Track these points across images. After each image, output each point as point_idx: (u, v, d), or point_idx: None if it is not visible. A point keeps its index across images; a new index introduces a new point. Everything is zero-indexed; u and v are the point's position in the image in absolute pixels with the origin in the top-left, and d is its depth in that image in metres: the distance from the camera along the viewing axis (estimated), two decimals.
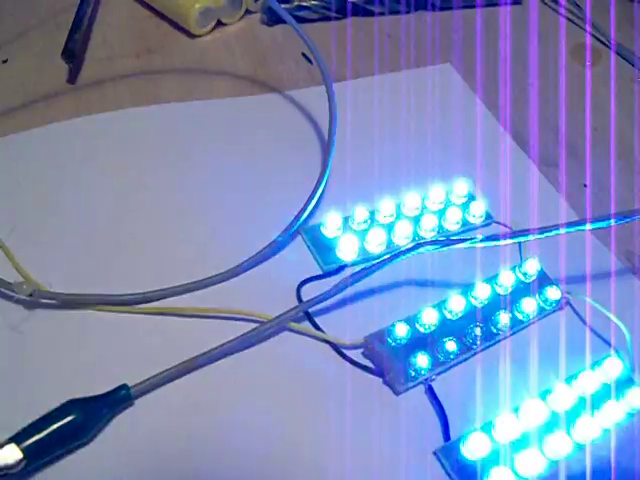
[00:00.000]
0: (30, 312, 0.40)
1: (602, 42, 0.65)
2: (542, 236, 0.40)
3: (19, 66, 0.56)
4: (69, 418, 0.35)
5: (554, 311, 0.44)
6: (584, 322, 0.43)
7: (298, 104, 0.54)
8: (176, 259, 0.43)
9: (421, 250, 0.40)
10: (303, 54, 0.58)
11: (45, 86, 0.54)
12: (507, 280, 0.43)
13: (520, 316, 0.42)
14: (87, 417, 0.35)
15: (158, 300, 0.41)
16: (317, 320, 0.41)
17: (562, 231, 0.41)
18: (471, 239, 0.40)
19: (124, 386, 0.37)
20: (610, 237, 0.48)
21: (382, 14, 0.63)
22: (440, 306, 0.42)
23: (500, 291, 0.43)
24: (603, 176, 0.52)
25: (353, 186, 0.48)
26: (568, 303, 0.44)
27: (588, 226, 0.41)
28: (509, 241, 0.41)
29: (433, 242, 0.41)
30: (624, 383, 0.41)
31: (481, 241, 0.40)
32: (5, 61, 0.56)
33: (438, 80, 0.58)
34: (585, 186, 0.51)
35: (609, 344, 0.43)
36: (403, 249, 0.40)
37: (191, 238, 0.45)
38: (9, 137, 0.49)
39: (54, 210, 0.45)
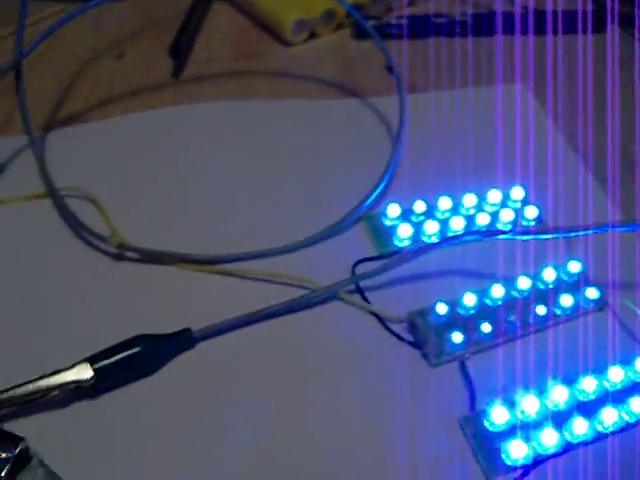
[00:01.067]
0: (117, 263, 0.46)
1: None
2: (583, 233, 0.43)
3: (130, 60, 0.63)
4: (136, 349, 0.40)
5: (593, 311, 0.46)
6: (622, 324, 0.45)
7: (376, 109, 0.59)
8: (247, 229, 0.49)
9: (468, 238, 0.44)
10: (386, 66, 0.63)
11: (151, 79, 0.61)
12: (549, 276, 0.46)
13: (558, 311, 0.45)
14: (152, 351, 0.41)
15: (229, 262, 0.46)
16: (367, 295, 0.45)
17: (610, 232, 0.43)
18: (511, 231, 0.43)
19: (188, 329, 0.42)
20: None
21: (464, 36, 0.67)
22: (482, 292, 0.45)
23: (541, 286, 0.46)
24: None
25: (416, 183, 0.52)
26: (608, 305, 0.46)
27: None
28: (550, 236, 0.44)
29: (480, 232, 0.44)
30: None
31: (523, 233, 0.43)
32: (120, 56, 0.64)
33: (510, 97, 0.61)
34: None
35: None
36: (451, 236, 0.44)
37: (263, 213, 0.50)
38: (112, 119, 0.56)
39: (147, 181, 0.52)
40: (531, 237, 0.44)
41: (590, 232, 0.44)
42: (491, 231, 0.45)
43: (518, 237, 0.44)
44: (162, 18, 0.68)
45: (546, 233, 0.44)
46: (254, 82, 0.62)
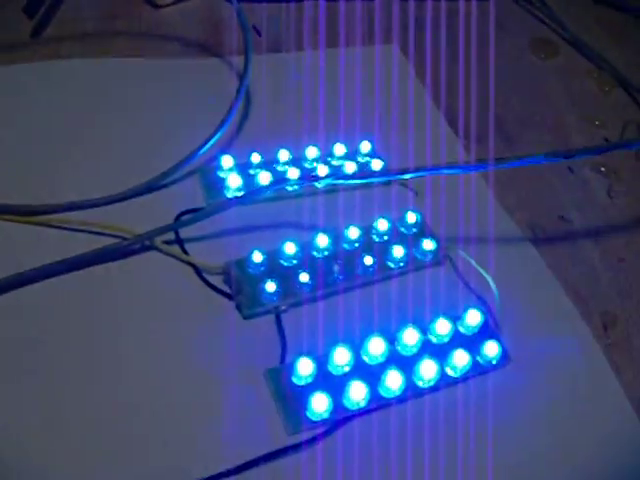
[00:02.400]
0: None
1: (562, 37, 0.66)
2: (413, 175, 0.40)
3: None
4: None
5: (431, 264, 0.43)
6: (460, 277, 0.43)
7: (234, 68, 0.56)
8: (75, 181, 0.46)
9: (289, 188, 0.41)
10: (254, 27, 0.60)
11: (10, 38, 0.58)
12: (382, 227, 0.43)
13: (391, 264, 0.42)
14: None
15: (49, 214, 0.43)
16: (187, 246, 0.42)
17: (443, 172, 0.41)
18: (333, 175, 0.40)
19: None
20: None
21: None
22: (307, 244, 0.42)
23: (376, 238, 0.43)
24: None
25: (258, 138, 0.49)
26: (448, 258, 0.44)
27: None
28: (375, 180, 0.41)
29: (305, 178, 0.41)
30: (481, 335, 0.40)
31: (348, 177, 0.40)
32: None
33: (380, 59, 0.59)
34: None
35: (482, 300, 0.42)
36: (269, 185, 0.41)
37: (93, 165, 0.47)
38: None
39: None
40: (358, 182, 0.41)
41: (424, 173, 0.41)
42: (315, 176, 0.42)
43: (342, 181, 0.41)
44: None
45: (372, 176, 0.41)
46: (117, 42, 0.59)
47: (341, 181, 0.41)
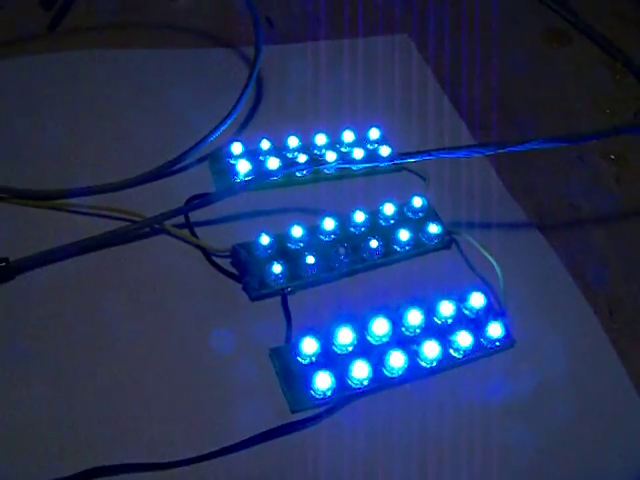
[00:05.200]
0: None
1: (575, 26, 0.65)
2: (415, 159, 0.41)
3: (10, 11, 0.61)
4: None
5: (437, 248, 0.44)
6: (465, 260, 0.43)
7: (246, 58, 0.57)
8: (87, 165, 0.47)
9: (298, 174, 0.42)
10: (267, 18, 0.61)
11: (27, 31, 0.59)
12: (388, 211, 0.44)
13: (397, 247, 0.43)
14: None
15: (63, 198, 0.44)
16: (197, 230, 0.43)
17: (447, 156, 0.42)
18: (340, 160, 0.41)
19: (5, 259, 0.40)
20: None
21: None
22: (314, 228, 0.43)
23: (382, 222, 0.44)
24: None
25: (268, 125, 0.50)
26: (454, 242, 0.44)
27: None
28: (382, 164, 0.42)
29: (311, 162, 0.42)
30: (485, 317, 0.40)
31: (356, 162, 0.41)
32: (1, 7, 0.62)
33: (390, 48, 0.59)
34: None
35: (486, 283, 0.42)
36: (277, 170, 0.42)
37: (105, 150, 0.48)
38: None
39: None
40: (363, 165, 0.42)
41: (429, 157, 0.41)
42: (322, 161, 0.42)
43: (348, 165, 0.41)
44: None
45: (378, 160, 0.42)
46: (132, 33, 0.60)
47: (347, 165, 0.41)
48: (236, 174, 0.46)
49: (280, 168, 0.44)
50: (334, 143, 0.48)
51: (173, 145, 0.48)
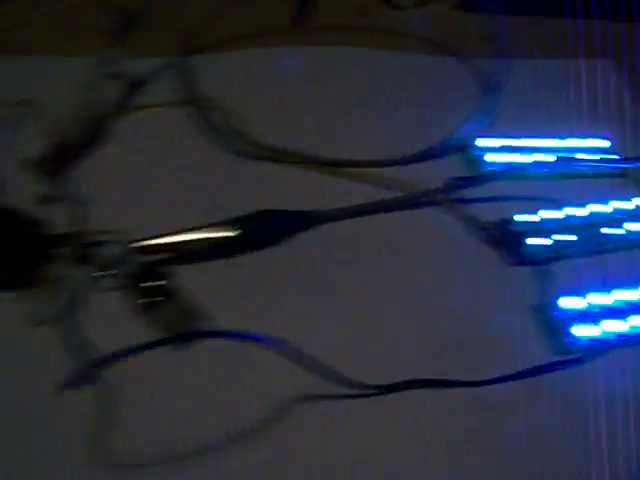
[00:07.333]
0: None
1: None
2: None
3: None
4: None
5: None
6: None
7: (473, 68, 0.66)
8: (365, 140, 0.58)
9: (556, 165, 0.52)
10: (488, 36, 0.70)
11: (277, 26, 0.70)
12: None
13: None
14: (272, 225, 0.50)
15: (349, 167, 0.55)
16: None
17: None
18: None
19: (308, 211, 0.51)
20: None
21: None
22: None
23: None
24: None
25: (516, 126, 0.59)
26: None
27: None
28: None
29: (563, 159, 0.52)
30: None
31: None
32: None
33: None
34: None
35: None
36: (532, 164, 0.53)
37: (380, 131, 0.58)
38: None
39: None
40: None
41: None
42: (572, 158, 0.52)
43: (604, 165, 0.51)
44: None
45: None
46: (365, 36, 0.70)
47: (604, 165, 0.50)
48: (487, 164, 0.55)
49: (534, 163, 0.53)
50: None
51: (432, 134, 0.58)
